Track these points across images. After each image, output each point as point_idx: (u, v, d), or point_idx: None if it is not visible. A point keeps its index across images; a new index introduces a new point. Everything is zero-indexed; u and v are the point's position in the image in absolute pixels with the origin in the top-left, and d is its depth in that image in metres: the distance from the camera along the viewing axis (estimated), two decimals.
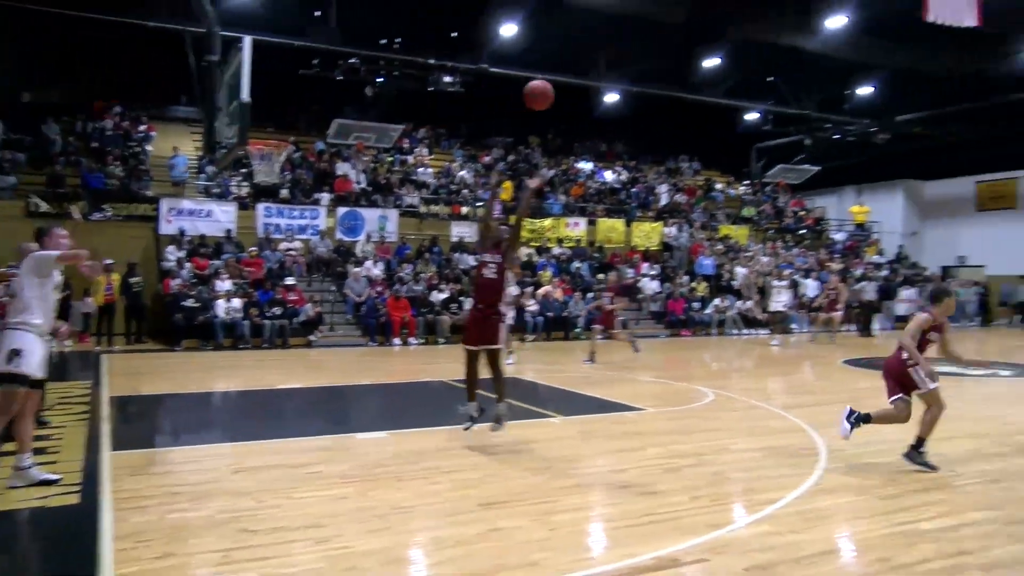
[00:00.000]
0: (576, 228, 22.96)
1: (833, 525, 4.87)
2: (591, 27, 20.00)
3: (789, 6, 18.95)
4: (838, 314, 18.72)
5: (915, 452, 6.33)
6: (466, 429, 7.05)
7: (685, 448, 6.89)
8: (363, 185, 21.74)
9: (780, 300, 19.10)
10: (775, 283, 19.43)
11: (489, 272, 6.93)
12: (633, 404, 9.26)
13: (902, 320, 23.86)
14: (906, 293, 24.23)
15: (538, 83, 7.10)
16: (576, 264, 21.56)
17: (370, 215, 20.54)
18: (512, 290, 13.95)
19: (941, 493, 5.60)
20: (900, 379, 6.41)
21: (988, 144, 26.33)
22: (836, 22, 18.73)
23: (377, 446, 6.91)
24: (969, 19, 13.32)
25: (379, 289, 17.86)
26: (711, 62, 22.61)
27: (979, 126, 25.19)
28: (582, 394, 10.23)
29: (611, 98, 25.25)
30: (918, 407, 6.37)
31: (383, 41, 20.65)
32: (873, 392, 11.20)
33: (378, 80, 20.97)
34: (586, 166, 27.03)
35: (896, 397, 6.41)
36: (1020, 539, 4.64)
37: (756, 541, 4.51)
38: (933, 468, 6.18)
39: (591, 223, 23.34)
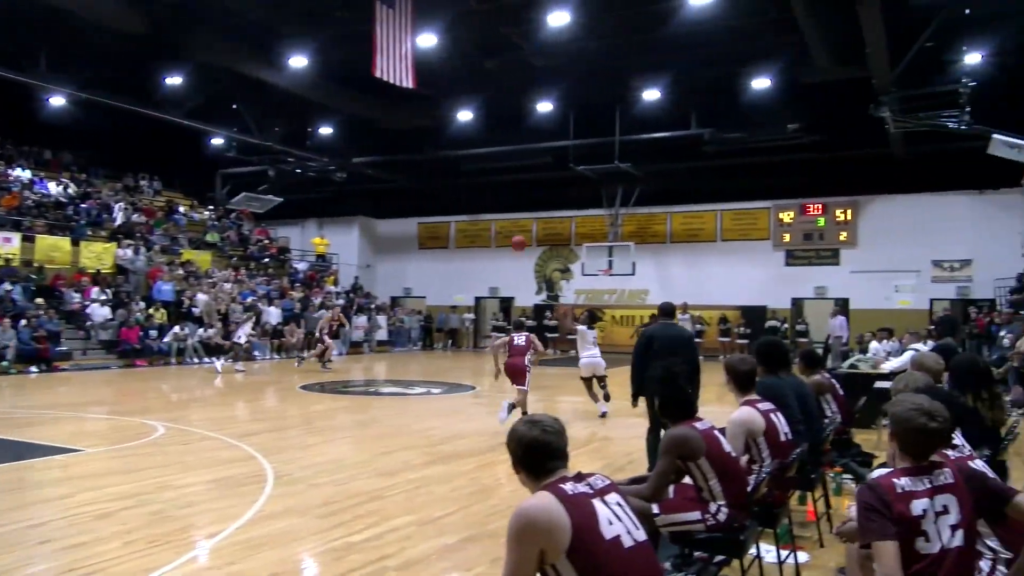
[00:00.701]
0: (8, 244, 19.73)
1: (272, 551, 4.95)
2: (30, 17, 17.58)
3: (250, 39, 19.15)
4: (331, 344, 19.46)
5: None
6: None
7: (123, 489, 6.36)
8: None
9: (243, 328, 19.15)
10: (237, 310, 19.38)
11: None
12: (68, 445, 8.25)
13: (356, 345, 25.90)
14: (359, 320, 26.35)
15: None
16: (6, 286, 18.54)
17: None
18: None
19: (373, 505, 6.13)
20: (518, 376, 10.06)
21: (427, 191, 30.28)
22: (298, 62, 19.58)
23: None
24: (407, 81, 15.17)
25: None
26: (174, 79, 21.70)
27: (420, 175, 28.83)
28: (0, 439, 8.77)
29: (59, 101, 22.50)
30: None
31: None
32: (326, 414, 11.90)
33: None
34: (23, 174, 23.54)
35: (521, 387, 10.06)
36: (431, 537, 5.32)
37: None
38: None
39: (28, 240, 20.29)
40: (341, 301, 26.88)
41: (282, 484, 6.70)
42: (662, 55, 18.90)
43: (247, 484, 6.69)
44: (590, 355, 11.53)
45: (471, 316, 30.99)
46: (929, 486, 2.66)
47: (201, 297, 21.59)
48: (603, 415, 11.25)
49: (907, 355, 7.97)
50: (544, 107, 22.80)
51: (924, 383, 3.78)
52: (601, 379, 11.53)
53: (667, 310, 7.50)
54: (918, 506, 2.61)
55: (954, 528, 2.62)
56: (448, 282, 31.23)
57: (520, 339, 10.40)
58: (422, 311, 31.23)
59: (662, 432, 4.20)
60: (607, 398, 11.43)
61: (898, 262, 24.08)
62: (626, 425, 11.21)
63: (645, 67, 19.85)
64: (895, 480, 2.67)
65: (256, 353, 21.42)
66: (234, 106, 23.78)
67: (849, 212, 25.24)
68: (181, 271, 23.19)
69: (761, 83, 20.06)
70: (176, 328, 20.28)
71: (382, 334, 27.58)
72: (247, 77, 20.28)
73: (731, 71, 19.91)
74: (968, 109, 16.46)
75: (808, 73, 18.88)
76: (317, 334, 19.75)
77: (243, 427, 10.38)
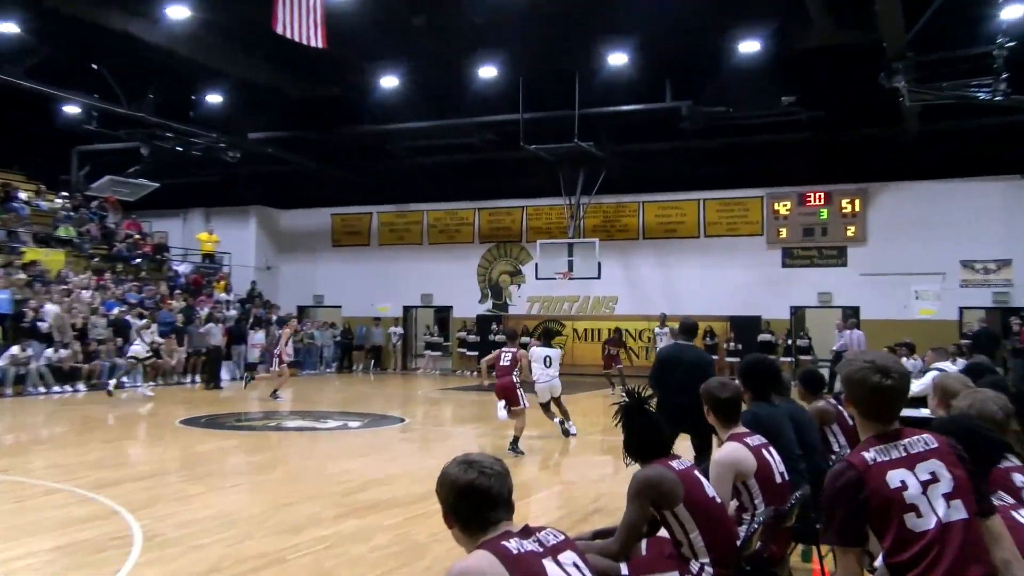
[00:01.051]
0: None
1: None
2: None
3: None
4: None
5: (514, 445, 11.09)
6: None
7: None
8: None
9: (143, 336, 19.32)
10: (100, 325, 19.03)
11: None
12: None
13: (251, 368, 25.51)
14: (257, 337, 25.83)
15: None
16: None
17: None
18: None
19: (272, 570, 6.03)
20: (509, 396, 11.47)
21: (343, 175, 30.06)
22: (178, 12, 19.14)
23: None
24: (315, 40, 15.01)
25: None
26: (7, 26, 20.70)
27: (334, 155, 28.58)
28: None
29: None
30: None
31: None
32: (213, 455, 11.69)
33: None
34: None
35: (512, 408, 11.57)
36: None
37: None
38: (522, 453, 11.06)
39: None
40: (233, 312, 26.51)
41: (154, 547, 6.54)
42: (631, 12, 19.03)
43: (107, 549, 6.51)
44: (547, 374, 12.52)
45: (399, 330, 30.83)
46: (904, 454, 2.76)
47: (50, 309, 21.11)
48: (572, 434, 12.89)
49: (929, 376, 8.11)
50: (487, 73, 22.77)
51: (999, 406, 3.66)
52: (557, 400, 12.83)
53: (689, 328, 7.68)
54: (895, 477, 2.70)
55: (948, 497, 2.68)
56: (370, 288, 30.98)
57: (506, 359, 11.84)
58: (337, 324, 30.97)
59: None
60: (567, 416, 12.94)
61: (918, 263, 24.62)
62: (590, 464, 11.27)
63: (610, 26, 19.98)
64: (864, 453, 2.77)
65: (125, 379, 20.94)
66: (94, 66, 23.14)
67: (857, 203, 25.75)
68: (23, 275, 22.62)
69: (749, 47, 20.30)
70: (15, 349, 19.68)
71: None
72: (110, 29, 19.76)
73: (713, 33, 20.15)
74: (1005, 76, 16.46)
75: (805, 37, 19.18)
76: (277, 352, 19.50)
77: (102, 475, 10.08)
